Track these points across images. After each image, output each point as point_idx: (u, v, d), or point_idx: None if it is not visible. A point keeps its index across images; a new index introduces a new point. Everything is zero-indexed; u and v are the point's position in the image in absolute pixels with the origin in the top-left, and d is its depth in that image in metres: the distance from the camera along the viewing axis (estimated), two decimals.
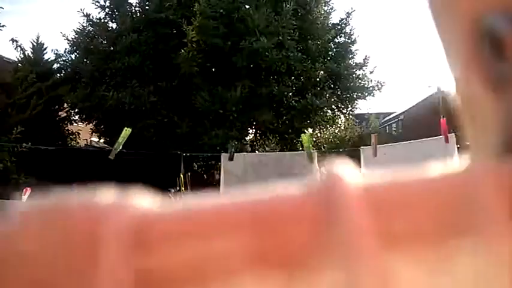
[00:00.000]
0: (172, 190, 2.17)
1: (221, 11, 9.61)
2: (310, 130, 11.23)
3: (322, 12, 11.00)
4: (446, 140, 2.91)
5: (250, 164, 2.45)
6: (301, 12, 10.50)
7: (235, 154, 2.41)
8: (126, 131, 2.40)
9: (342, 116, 11.93)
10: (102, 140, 12.89)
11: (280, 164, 2.55)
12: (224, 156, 2.41)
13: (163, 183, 2.24)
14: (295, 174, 2.53)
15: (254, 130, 11.11)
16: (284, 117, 10.25)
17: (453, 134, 2.96)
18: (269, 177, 2.53)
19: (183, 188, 5.37)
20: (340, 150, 8.67)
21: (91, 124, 11.62)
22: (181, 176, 5.53)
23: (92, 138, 14.87)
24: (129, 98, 9.54)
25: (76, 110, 11.43)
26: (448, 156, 2.89)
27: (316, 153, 2.63)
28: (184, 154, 2.32)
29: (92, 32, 11.14)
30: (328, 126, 11.53)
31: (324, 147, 11.65)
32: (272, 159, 2.61)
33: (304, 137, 2.64)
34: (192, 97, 9.63)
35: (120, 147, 2.22)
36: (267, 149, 10.65)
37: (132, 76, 9.89)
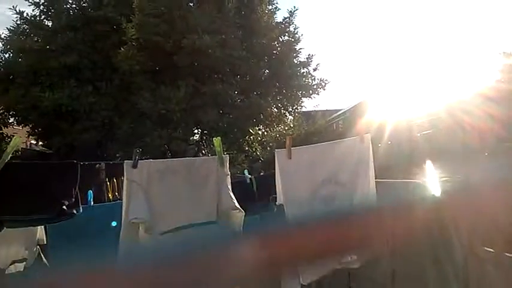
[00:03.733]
0: (67, 202, 2.02)
1: (162, 8, 9.37)
2: (256, 129, 11.21)
3: (267, 11, 10.97)
4: (362, 140, 2.93)
5: (156, 171, 2.33)
6: (245, 10, 10.43)
7: (140, 161, 2.29)
8: (16, 140, 2.22)
9: (288, 114, 12.00)
10: (40, 143, 12.35)
11: (189, 171, 2.45)
12: (127, 164, 2.28)
13: (57, 194, 2.09)
14: (205, 180, 2.44)
15: (200, 130, 10.95)
16: (229, 117, 10.15)
17: (368, 134, 2.98)
18: (177, 184, 2.42)
19: (110, 195, 5.15)
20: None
21: (27, 126, 11.06)
22: (108, 182, 5.31)
23: (33, 141, 14.22)
24: (66, 99, 9.13)
25: (11, 112, 10.86)
26: (363, 155, 2.90)
27: (227, 158, 2.55)
28: (81, 163, 2.17)
29: (27, 31, 10.58)
30: (274, 124, 11.55)
31: (270, 145, 11.68)
32: (181, 165, 2.50)
33: (215, 141, 2.56)
34: (134, 97, 9.35)
35: (9, 157, 2.05)
36: (213, 148, 10.53)
37: (69, 76, 9.48)
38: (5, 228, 2.10)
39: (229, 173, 2.51)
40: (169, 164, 2.49)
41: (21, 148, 12.76)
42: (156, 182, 2.33)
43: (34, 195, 2.05)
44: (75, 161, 2.21)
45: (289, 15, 11.05)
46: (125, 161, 2.29)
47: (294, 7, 11.17)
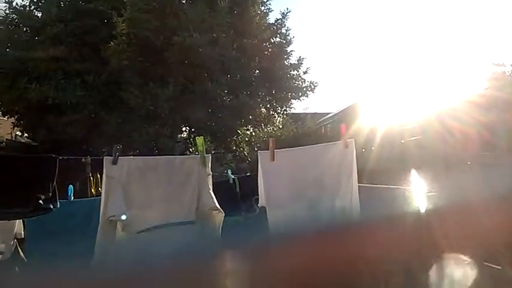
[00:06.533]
0: (43, 197, 1.98)
1: (154, 4, 9.29)
2: (245, 129, 11.19)
3: (259, 12, 10.96)
4: (345, 145, 2.93)
5: (136, 168, 2.30)
6: (237, 10, 10.40)
7: (120, 158, 2.26)
8: None
9: (277, 115, 11.99)
10: (26, 135, 12.18)
11: (170, 169, 2.42)
12: (107, 160, 2.25)
13: (33, 188, 2.05)
14: (186, 179, 2.41)
15: (188, 128, 10.89)
16: (218, 116, 10.11)
17: (352, 139, 2.98)
18: (157, 183, 2.39)
19: (93, 190, 5.09)
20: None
21: (13, 118, 10.90)
22: (92, 177, 5.25)
23: (18, 133, 14.01)
24: (53, 91, 9.00)
25: None
26: (346, 160, 2.90)
27: (210, 157, 2.52)
28: (60, 157, 2.13)
29: (16, 21, 10.41)
30: (262, 125, 11.53)
31: (258, 146, 11.67)
32: (161, 163, 2.47)
33: (198, 140, 2.53)
34: (122, 92, 9.25)
35: None
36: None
37: (57, 68, 9.33)
38: None
39: (210, 172, 2.49)
40: (149, 161, 2.47)
41: (6, 139, 12.58)
42: (135, 179, 2.30)
43: (9, 188, 2.01)
44: (53, 155, 2.18)
45: (281, 17, 11.04)
46: (105, 157, 2.26)
47: (287, 9, 11.17)
